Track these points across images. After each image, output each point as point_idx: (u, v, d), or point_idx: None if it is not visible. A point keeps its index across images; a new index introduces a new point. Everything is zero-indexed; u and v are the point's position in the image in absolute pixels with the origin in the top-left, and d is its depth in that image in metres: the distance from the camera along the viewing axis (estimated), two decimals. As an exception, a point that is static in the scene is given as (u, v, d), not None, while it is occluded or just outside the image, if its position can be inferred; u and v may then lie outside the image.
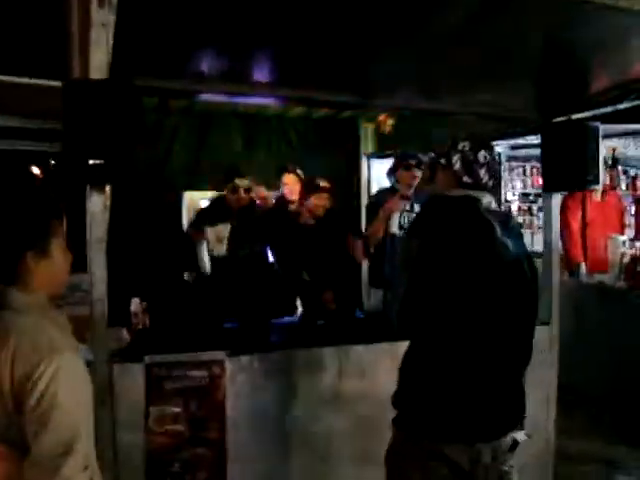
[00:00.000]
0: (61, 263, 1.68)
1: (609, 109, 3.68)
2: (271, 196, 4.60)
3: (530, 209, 7.43)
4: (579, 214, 5.18)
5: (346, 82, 3.31)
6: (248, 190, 4.17)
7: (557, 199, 3.72)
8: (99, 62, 2.57)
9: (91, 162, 2.50)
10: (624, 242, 4.93)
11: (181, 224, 4.60)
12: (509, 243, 2.13)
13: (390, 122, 4.95)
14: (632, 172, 5.20)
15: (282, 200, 4.54)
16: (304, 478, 3.04)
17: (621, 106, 3.68)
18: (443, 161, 2.26)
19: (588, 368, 4.57)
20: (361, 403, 3.10)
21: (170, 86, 2.78)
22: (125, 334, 3.03)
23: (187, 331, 3.21)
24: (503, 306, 2.10)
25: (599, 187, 3.59)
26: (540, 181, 7.66)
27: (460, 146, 2.23)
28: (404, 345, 2.23)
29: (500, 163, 6.94)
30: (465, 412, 2.06)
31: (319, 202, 4.29)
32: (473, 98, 3.52)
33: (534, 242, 6.76)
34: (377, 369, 3.10)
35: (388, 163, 5.47)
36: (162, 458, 2.80)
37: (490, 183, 2.23)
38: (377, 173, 5.30)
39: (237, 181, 4.09)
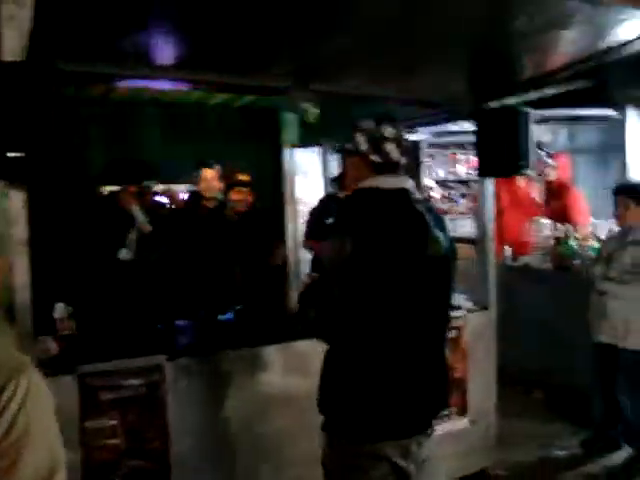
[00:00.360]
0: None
1: (537, 95, 3.71)
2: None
3: (450, 195, 7.55)
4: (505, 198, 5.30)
5: (276, 67, 3.19)
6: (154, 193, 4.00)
7: (490, 185, 3.74)
8: (12, 42, 2.34)
9: (10, 155, 2.27)
10: (547, 225, 5.07)
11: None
12: (441, 237, 2.08)
13: (315, 110, 4.81)
14: (545, 158, 5.35)
15: (195, 197, 4.34)
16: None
17: (548, 92, 3.72)
18: (350, 146, 2.14)
19: (520, 349, 4.67)
20: (307, 401, 2.99)
21: (93, 70, 2.54)
22: (52, 343, 2.76)
23: (120, 336, 2.98)
24: (431, 302, 2.07)
25: (532, 172, 3.61)
26: (459, 168, 7.95)
27: (364, 124, 2.11)
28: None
29: (419, 149, 7.02)
30: (394, 409, 2.02)
31: (238, 197, 4.20)
32: (409, 84, 3.48)
33: (456, 228, 6.90)
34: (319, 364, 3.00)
35: (313, 153, 5.40)
36: (101, 475, 2.59)
37: (403, 160, 2.12)
38: (302, 164, 5.17)
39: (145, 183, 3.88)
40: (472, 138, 7.34)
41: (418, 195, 2.16)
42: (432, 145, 7.33)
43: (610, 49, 3.25)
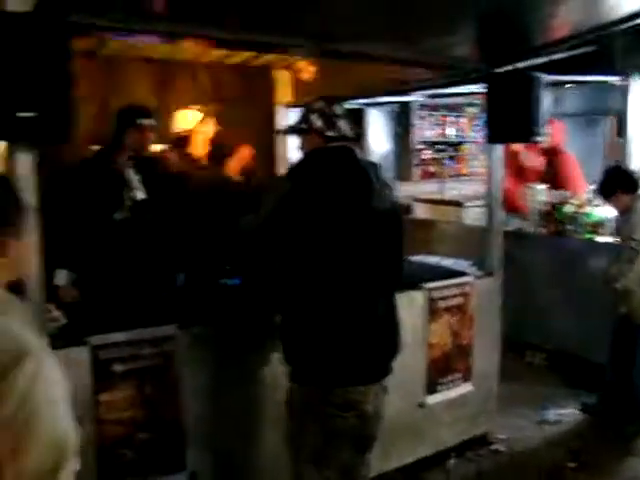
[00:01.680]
0: (27, 247, 1.38)
1: (544, 60, 3.64)
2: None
3: (440, 158, 7.50)
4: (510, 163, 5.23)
5: (285, 24, 3.04)
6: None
7: (499, 150, 3.68)
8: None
9: (20, 115, 2.11)
10: (543, 191, 5.06)
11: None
12: (383, 192, 2.32)
13: (311, 69, 4.67)
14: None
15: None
16: (268, 455, 2.86)
17: (555, 57, 3.66)
18: (304, 125, 2.38)
19: (517, 314, 4.69)
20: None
21: (106, 23, 2.36)
22: (58, 312, 2.63)
23: (126, 304, 2.86)
24: (376, 251, 2.29)
25: (543, 138, 3.56)
26: (448, 131, 7.90)
27: (315, 106, 2.37)
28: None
29: (410, 111, 6.92)
30: (354, 356, 2.24)
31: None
32: (419, 45, 3.37)
33: (444, 190, 6.88)
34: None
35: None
36: (116, 448, 2.52)
37: (352, 134, 2.38)
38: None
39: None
40: (463, 100, 7.34)
41: (363, 155, 2.44)
42: (423, 106, 7.23)
43: (617, 20, 3.22)
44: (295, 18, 2.72)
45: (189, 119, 4.10)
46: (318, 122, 2.33)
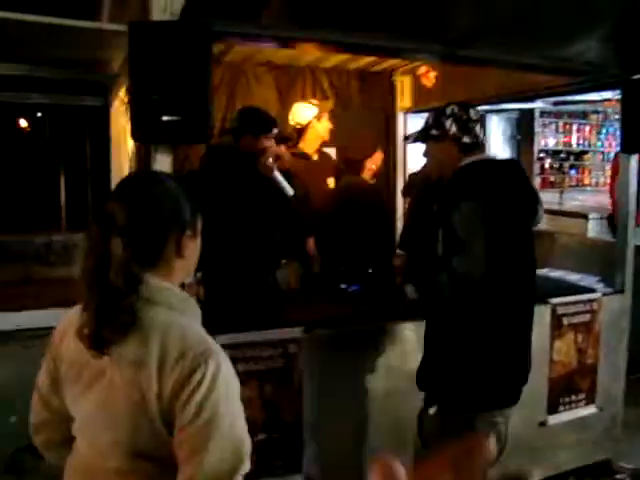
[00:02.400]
0: (199, 247, 1.41)
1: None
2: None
3: (562, 167, 7.20)
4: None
5: (410, 28, 2.99)
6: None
7: (635, 161, 3.47)
8: (163, 1, 2.26)
9: (165, 119, 2.21)
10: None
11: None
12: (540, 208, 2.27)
13: (432, 75, 4.61)
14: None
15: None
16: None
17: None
18: (435, 132, 2.25)
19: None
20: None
21: (247, 31, 2.43)
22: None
23: (249, 304, 2.92)
24: (531, 271, 2.23)
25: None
26: (573, 139, 7.58)
27: (448, 110, 2.24)
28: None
29: (533, 119, 6.69)
30: (505, 375, 2.15)
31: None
32: (552, 51, 3.23)
33: (564, 201, 6.59)
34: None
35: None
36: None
37: (485, 140, 2.30)
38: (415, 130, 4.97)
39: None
40: (588, 107, 7.01)
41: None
42: (544, 114, 6.98)
43: None
44: (421, 22, 2.68)
45: (305, 113, 4.01)
46: (453, 128, 2.21)
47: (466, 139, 2.20)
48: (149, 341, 1.22)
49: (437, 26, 2.82)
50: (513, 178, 2.20)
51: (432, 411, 2.15)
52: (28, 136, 10.55)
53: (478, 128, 2.23)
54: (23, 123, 10.60)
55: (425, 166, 4.44)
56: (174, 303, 1.30)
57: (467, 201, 2.04)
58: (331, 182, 4.13)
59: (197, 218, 1.39)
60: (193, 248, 1.38)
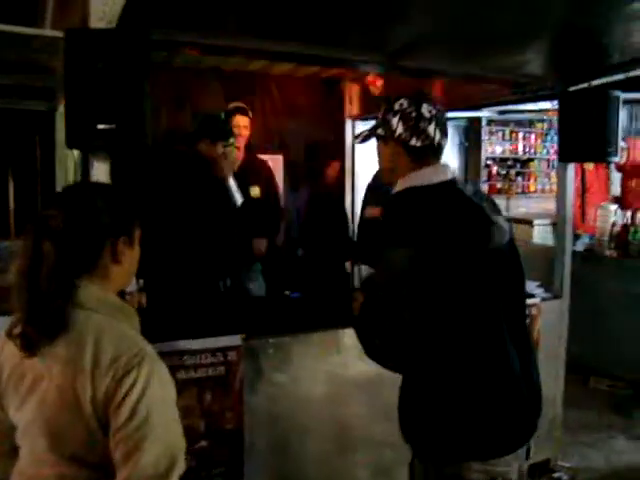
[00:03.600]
0: (137, 255, 1.45)
1: (621, 76, 3.52)
2: None
3: (508, 174, 7.36)
4: (577, 181, 5.11)
5: (363, 40, 3.04)
6: None
7: (572, 169, 3.58)
8: (101, 9, 2.25)
9: (101, 127, 2.19)
10: (615, 211, 4.91)
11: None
12: (501, 222, 1.84)
13: (380, 83, 4.67)
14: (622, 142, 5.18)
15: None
16: (322, 467, 2.86)
17: (633, 73, 3.53)
18: (381, 131, 1.87)
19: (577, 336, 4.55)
20: (381, 386, 2.93)
21: (185, 39, 2.43)
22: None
23: (189, 311, 2.92)
24: (506, 296, 1.83)
25: (619, 159, 3.45)
26: (520, 147, 7.76)
27: (397, 106, 1.83)
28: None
29: (480, 126, 6.83)
30: (481, 425, 1.76)
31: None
32: (491, 62, 3.32)
33: (510, 207, 6.73)
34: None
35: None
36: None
37: (443, 142, 1.86)
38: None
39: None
40: (533, 115, 7.19)
41: (465, 184, 1.90)
42: (491, 122, 7.14)
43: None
44: (364, 34, 2.72)
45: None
46: (399, 127, 1.82)
47: (415, 142, 1.81)
48: (83, 345, 1.25)
49: (379, 38, 2.87)
50: (448, 208, 1.79)
51: (417, 462, 1.87)
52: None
53: (432, 128, 1.81)
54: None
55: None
56: (108, 309, 1.33)
57: (391, 248, 1.74)
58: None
59: (134, 226, 1.42)
60: (130, 255, 1.41)
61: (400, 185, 1.85)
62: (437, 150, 1.86)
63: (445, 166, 1.88)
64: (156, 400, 1.26)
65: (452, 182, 1.84)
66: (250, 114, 3.95)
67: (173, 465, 1.25)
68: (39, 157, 10.16)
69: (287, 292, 3.38)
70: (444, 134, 1.87)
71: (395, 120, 1.82)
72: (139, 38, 2.21)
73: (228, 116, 3.83)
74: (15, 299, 1.28)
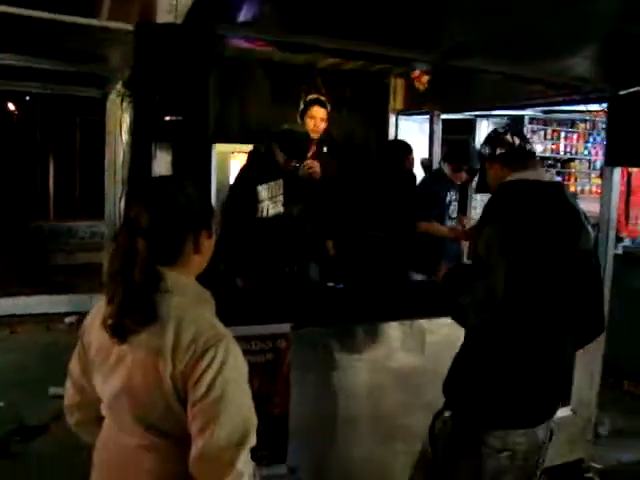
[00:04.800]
0: (214, 243, 1.56)
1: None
2: None
3: (548, 173, 7.33)
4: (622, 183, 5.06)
5: (418, 38, 3.08)
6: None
7: (618, 173, 3.58)
8: (168, 2, 2.32)
9: (167, 118, 2.28)
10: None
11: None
12: (589, 230, 2.13)
13: (425, 78, 4.70)
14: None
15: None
16: (363, 455, 2.94)
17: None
18: (484, 151, 2.31)
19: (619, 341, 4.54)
20: (423, 377, 2.99)
21: (252, 35, 2.50)
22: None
23: (243, 300, 3.01)
24: (575, 293, 2.10)
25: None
26: (561, 146, 7.71)
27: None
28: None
29: (523, 125, 6.80)
30: (526, 397, 2.05)
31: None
32: (544, 65, 3.33)
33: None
34: (439, 344, 2.97)
35: (419, 121, 5.26)
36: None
37: (534, 150, 2.31)
38: (406, 131, 5.09)
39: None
40: (576, 115, 7.12)
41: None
42: (533, 120, 7.09)
43: None
44: (420, 32, 2.76)
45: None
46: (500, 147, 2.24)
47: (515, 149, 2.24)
48: (165, 325, 1.36)
49: (433, 36, 2.91)
50: (549, 202, 2.08)
51: (446, 414, 2.13)
52: (18, 122, 10.51)
53: (517, 140, 2.26)
54: (12, 108, 10.53)
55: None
56: (190, 294, 1.44)
57: (490, 226, 2.06)
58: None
59: (212, 218, 1.54)
60: (209, 245, 1.52)
61: (512, 177, 2.16)
62: (530, 155, 2.24)
63: (540, 170, 2.25)
64: (231, 377, 1.35)
65: (559, 185, 2.22)
66: (328, 107, 4.02)
67: (245, 438, 1.34)
68: (79, 141, 10.38)
69: (331, 284, 3.44)
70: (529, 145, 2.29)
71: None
72: (206, 33, 2.29)
73: (306, 107, 3.95)
74: (110, 293, 1.38)
